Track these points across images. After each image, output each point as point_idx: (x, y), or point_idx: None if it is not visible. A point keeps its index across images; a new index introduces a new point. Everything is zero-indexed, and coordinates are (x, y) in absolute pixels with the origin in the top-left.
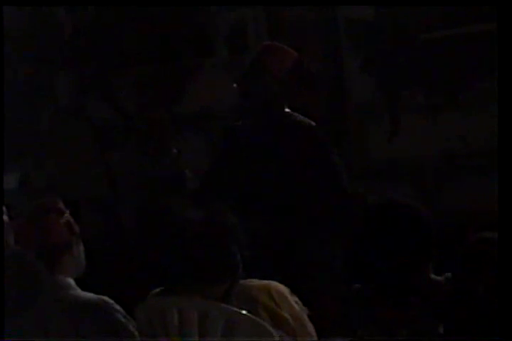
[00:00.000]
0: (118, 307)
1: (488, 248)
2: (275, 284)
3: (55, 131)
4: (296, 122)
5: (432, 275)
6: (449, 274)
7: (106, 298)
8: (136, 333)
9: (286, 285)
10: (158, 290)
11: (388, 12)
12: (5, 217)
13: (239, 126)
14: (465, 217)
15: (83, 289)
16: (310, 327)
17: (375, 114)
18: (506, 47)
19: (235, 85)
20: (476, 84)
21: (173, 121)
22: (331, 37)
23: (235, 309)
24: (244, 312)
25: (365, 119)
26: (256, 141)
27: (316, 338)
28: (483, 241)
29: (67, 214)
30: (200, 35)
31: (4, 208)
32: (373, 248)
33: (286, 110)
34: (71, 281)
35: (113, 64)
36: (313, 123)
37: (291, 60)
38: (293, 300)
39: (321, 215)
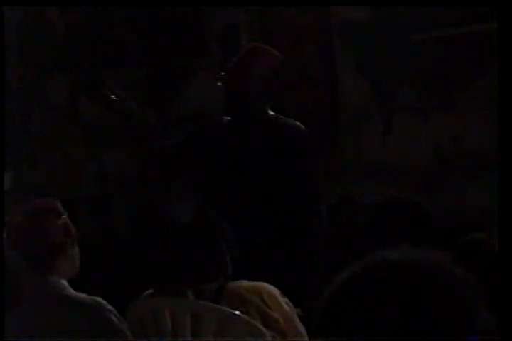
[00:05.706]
0: (111, 307)
1: (479, 249)
2: (265, 285)
3: (48, 130)
4: (288, 125)
5: None
6: None
7: (99, 298)
8: (129, 334)
9: (276, 286)
10: (150, 291)
11: (382, 13)
12: None
13: (223, 121)
14: (457, 218)
15: (76, 290)
16: (301, 328)
17: (369, 115)
18: (506, 48)
19: (219, 84)
20: (469, 85)
21: (166, 121)
22: (324, 37)
23: (228, 309)
24: (237, 312)
25: (359, 120)
26: (235, 141)
27: (307, 339)
28: (474, 242)
29: (64, 216)
30: (192, 36)
31: None
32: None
33: (271, 113)
34: (64, 282)
35: (105, 64)
36: (304, 129)
37: (276, 61)
38: (283, 301)
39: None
